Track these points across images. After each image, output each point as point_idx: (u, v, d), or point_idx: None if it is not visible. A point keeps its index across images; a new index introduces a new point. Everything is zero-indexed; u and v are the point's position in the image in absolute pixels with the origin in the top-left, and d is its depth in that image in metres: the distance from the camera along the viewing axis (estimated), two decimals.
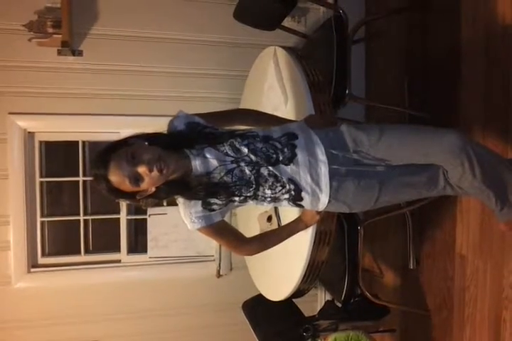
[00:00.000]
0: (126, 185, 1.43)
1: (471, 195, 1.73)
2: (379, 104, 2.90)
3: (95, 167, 1.46)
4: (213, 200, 1.54)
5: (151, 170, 1.41)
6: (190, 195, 1.53)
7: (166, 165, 1.43)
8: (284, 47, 2.22)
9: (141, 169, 1.41)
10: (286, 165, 1.54)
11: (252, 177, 1.53)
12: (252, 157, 1.53)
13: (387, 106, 2.77)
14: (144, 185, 1.45)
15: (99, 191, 1.46)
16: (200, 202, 1.53)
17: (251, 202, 1.61)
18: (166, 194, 1.55)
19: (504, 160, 1.75)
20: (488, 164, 1.61)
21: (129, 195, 1.49)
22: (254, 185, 1.54)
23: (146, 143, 1.49)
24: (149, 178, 1.43)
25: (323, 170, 1.56)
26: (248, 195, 1.56)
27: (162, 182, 1.48)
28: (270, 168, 1.53)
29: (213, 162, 1.51)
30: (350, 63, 2.33)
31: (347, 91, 2.31)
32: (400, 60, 2.87)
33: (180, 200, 1.56)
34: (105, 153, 1.45)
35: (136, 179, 1.42)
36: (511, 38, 2.07)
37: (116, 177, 1.42)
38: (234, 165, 1.52)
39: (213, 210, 1.56)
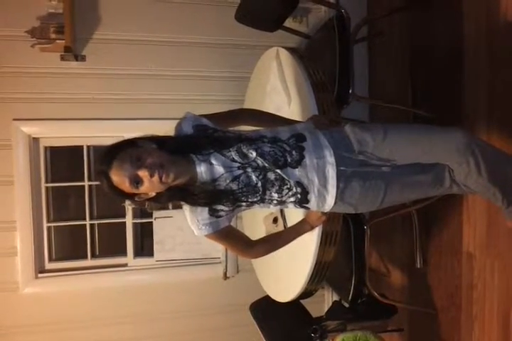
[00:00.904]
0: (126, 186, 1.43)
1: (478, 193, 1.72)
2: (382, 103, 2.90)
3: (100, 163, 1.46)
4: (220, 207, 1.53)
5: (152, 176, 1.41)
6: (193, 201, 1.52)
7: (167, 173, 1.43)
8: (286, 48, 2.21)
9: (143, 173, 1.41)
10: (293, 167, 1.53)
11: (259, 183, 1.52)
12: (260, 161, 1.51)
13: (391, 105, 2.76)
14: (143, 189, 1.45)
15: (102, 187, 1.47)
16: (206, 209, 1.53)
17: (257, 206, 1.61)
18: (167, 199, 1.56)
19: (510, 158, 1.74)
20: (493, 162, 1.61)
21: (128, 196, 1.49)
22: (260, 191, 1.53)
23: (155, 146, 1.49)
24: (149, 183, 1.43)
25: (331, 172, 1.55)
26: (255, 200, 1.56)
27: (163, 188, 1.48)
28: (278, 171, 1.52)
29: (219, 169, 1.50)
30: (353, 63, 2.33)
31: (350, 91, 2.30)
32: (403, 59, 2.86)
33: (186, 207, 1.55)
34: (112, 150, 1.46)
35: (136, 181, 1.42)
36: None
37: (117, 177, 1.43)
38: (240, 172, 1.51)
39: (220, 216, 1.55)
